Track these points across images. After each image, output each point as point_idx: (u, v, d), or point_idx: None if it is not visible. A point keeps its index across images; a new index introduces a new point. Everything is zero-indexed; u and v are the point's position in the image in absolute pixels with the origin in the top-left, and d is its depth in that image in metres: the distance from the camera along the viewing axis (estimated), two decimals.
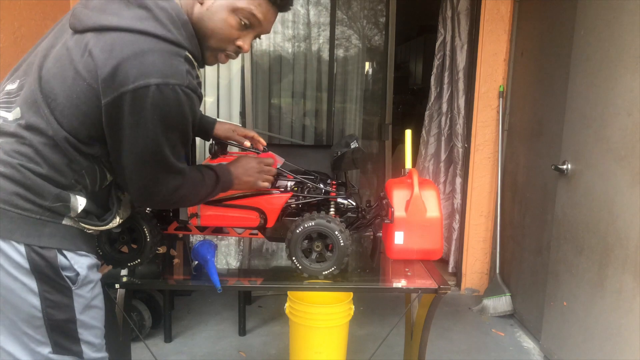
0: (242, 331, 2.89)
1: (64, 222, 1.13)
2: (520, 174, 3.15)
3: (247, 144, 1.57)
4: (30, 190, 1.08)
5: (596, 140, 2.23)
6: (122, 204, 1.27)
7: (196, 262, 1.59)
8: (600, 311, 2.18)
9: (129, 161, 1.12)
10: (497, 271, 3.36)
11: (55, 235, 1.12)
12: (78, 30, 1.09)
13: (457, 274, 3.67)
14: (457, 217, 3.65)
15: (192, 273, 1.63)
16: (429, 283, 1.58)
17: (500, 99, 3.36)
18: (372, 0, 3.94)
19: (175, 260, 1.74)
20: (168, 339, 2.78)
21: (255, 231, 1.62)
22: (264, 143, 1.65)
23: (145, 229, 1.46)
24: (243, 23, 1.18)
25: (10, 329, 1.12)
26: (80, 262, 1.16)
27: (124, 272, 1.54)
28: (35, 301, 1.10)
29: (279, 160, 1.63)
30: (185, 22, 1.12)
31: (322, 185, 1.63)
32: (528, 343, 2.91)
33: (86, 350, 1.19)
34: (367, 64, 4.24)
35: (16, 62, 1.22)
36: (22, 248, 1.08)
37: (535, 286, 2.88)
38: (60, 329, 1.14)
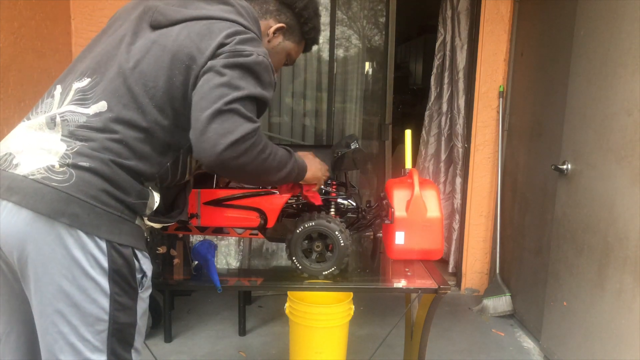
0: (242, 331, 2.89)
1: (136, 222, 1.15)
2: (520, 174, 3.15)
3: None
4: (117, 186, 1.10)
5: (596, 140, 2.23)
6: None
7: (196, 262, 1.59)
8: (600, 311, 2.18)
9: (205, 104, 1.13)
10: (497, 271, 3.36)
11: (130, 233, 1.13)
12: (163, 25, 1.20)
13: (457, 274, 3.67)
14: (457, 217, 3.65)
15: (192, 273, 1.63)
16: (429, 283, 1.58)
17: (500, 99, 3.36)
18: (372, 0, 3.94)
19: (175, 260, 1.74)
20: (168, 339, 2.78)
21: (256, 231, 1.62)
22: None
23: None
24: (286, 62, 1.50)
25: (67, 337, 1.09)
26: (147, 264, 1.18)
27: None
28: (105, 303, 1.09)
29: None
30: (258, 20, 1.32)
31: (322, 186, 1.63)
32: (528, 343, 2.91)
33: (134, 359, 1.19)
34: (367, 64, 4.23)
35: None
36: (103, 244, 1.08)
37: (535, 286, 2.88)
38: (121, 333, 1.13)
